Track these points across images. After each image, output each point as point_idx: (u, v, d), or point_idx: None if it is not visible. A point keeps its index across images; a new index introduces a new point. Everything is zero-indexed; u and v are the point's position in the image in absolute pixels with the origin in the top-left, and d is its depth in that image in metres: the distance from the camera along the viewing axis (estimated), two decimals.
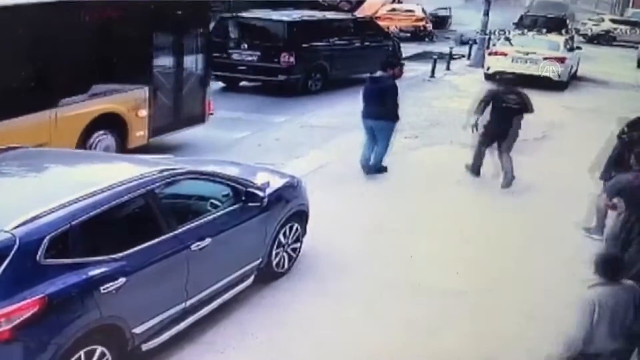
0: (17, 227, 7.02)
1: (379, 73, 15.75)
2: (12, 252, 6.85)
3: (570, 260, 11.75)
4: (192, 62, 16.85)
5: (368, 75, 16.52)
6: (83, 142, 13.99)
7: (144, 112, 15.33)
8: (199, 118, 17.17)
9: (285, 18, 24.22)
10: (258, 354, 8.81)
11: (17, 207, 7.41)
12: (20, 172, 8.87)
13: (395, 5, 43.65)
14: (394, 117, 15.45)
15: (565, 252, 12.14)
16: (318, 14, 27.06)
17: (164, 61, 16.02)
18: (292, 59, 23.25)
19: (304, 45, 24.00)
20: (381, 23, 33.41)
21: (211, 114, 17.52)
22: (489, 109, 15.67)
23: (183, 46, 16.45)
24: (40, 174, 8.98)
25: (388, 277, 10.85)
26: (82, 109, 13.90)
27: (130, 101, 15.02)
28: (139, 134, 15.34)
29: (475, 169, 15.86)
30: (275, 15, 24.47)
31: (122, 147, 14.89)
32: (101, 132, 14.41)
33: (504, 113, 15.54)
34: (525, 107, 15.61)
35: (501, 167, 15.55)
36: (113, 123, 14.68)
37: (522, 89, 16.37)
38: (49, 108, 13.15)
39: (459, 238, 12.39)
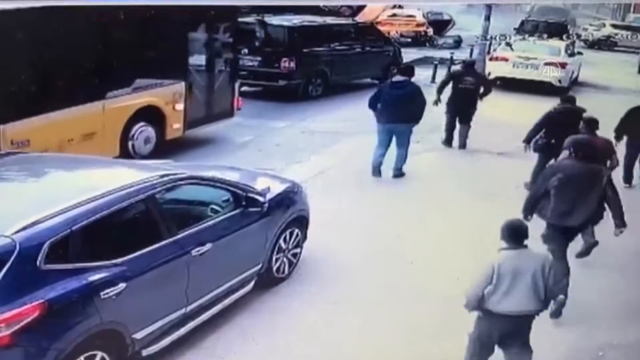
0: (17, 232, 7.03)
1: (400, 77, 16.18)
2: (12, 257, 6.85)
3: (574, 260, 11.79)
4: (222, 60, 18.00)
5: (390, 79, 17.03)
6: (126, 133, 15.28)
7: (180, 106, 16.52)
8: (229, 112, 18.34)
9: (285, 23, 24.16)
10: (259, 359, 8.80)
11: (17, 212, 7.41)
12: (20, 177, 8.87)
13: (396, 11, 43.52)
14: (418, 120, 16.00)
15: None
16: (319, 19, 26.94)
17: (198, 59, 17.20)
18: (292, 64, 23.19)
19: (305, 50, 23.93)
20: (382, 28, 33.33)
21: (239, 109, 18.60)
22: None
23: (214, 45, 17.74)
24: (40, 179, 8.98)
25: (389, 282, 10.83)
26: (126, 101, 15.11)
27: (168, 95, 16.19)
28: (175, 127, 16.53)
29: (447, 141, 18.79)
30: (276, 20, 24.41)
31: (161, 139, 16.14)
32: (142, 123, 15.62)
33: (460, 92, 18.48)
34: (479, 87, 18.71)
35: (458, 134, 18.61)
36: (153, 116, 15.85)
37: (482, 73, 20.24)
38: (99, 100, 14.37)
39: (460, 243, 12.36)
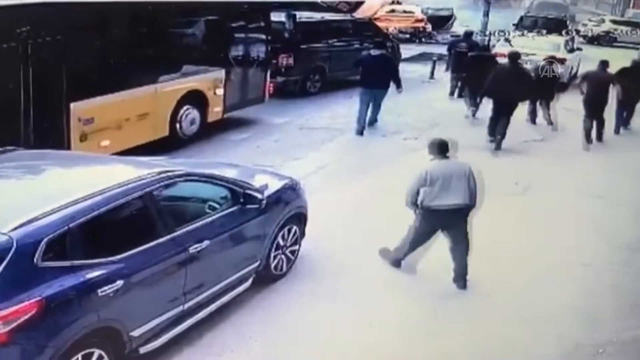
0: (15, 229, 6.99)
1: (378, 52, 20.48)
2: (10, 255, 6.81)
3: (573, 257, 11.81)
4: (256, 49, 19.82)
5: (368, 52, 21.07)
6: (174, 114, 16.83)
7: (220, 91, 18.26)
8: (261, 98, 20.20)
9: (284, 19, 24.08)
10: (256, 357, 8.80)
11: (15, 209, 7.37)
12: (18, 174, 8.83)
13: (395, 6, 43.47)
14: (397, 83, 19.95)
15: (567, 253, 12.15)
16: (317, 15, 26.91)
17: (235, 48, 18.98)
18: (290, 60, 23.19)
19: (303, 46, 23.91)
20: (380, 24, 33.30)
21: (270, 94, 20.42)
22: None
23: (250, 36, 19.61)
24: (38, 176, 8.94)
25: (387, 279, 10.83)
26: (175, 85, 16.74)
27: (210, 81, 17.92)
28: (216, 110, 18.28)
29: (451, 92, 24.83)
30: (274, 16, 24.31)
31: (203, 121, 17.80)
32: (188, 106, 17.21)
33: (455, 54, 25.01)
34: (471, 49, 24.30)
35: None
36: (197, 100, 17.48)
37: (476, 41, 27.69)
38: (152, 83, 15.95)
39: None
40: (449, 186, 10.50)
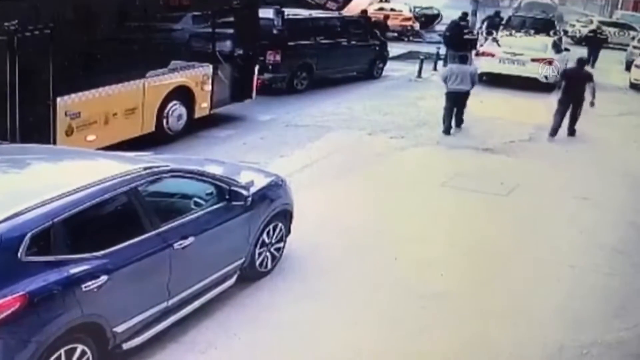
0: None
1: (460, 21, 31.87)
2: None
3: (558, 259, 11.83)
4: (244, 46, 19.75)
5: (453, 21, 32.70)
6: (161, 110, 16.87)
7: (208, 87, 18.33)
8: (248, 94, 20.19)
9: (271, 16, 24.04)
10: (240, 354, 8.77)
11: None
12: (2, 168, 8.76)
13: (383, 5, 43.49)
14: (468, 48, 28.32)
15: (552, 255, 12.16)
16: (305, 12, 26.90)
17: (223, 43, 19.01)
18: (278, 58, 23.15)
19: (290, 43, 23.87)
20: None
21: (257, 91, 20.51)
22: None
23: (238, 32, 19.50)
24: (22, 170, 8.89)
25: (372, 278, 10.82)
26: (162, 81, 16.77)
27: (198, 77, 17.95)
28: (203, 106, 18.32)
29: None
30: (262, 13, 24.28)
31: (190, 117, 17.82)
32: (175, 102, 17.27)
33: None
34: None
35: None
36: (184, 95, 17.54)
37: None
38: (140, 78, 16.01)
39: (444, 240, 12.36)
40: (459, 77, 19.37)
